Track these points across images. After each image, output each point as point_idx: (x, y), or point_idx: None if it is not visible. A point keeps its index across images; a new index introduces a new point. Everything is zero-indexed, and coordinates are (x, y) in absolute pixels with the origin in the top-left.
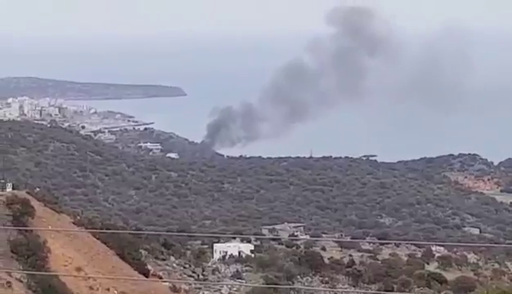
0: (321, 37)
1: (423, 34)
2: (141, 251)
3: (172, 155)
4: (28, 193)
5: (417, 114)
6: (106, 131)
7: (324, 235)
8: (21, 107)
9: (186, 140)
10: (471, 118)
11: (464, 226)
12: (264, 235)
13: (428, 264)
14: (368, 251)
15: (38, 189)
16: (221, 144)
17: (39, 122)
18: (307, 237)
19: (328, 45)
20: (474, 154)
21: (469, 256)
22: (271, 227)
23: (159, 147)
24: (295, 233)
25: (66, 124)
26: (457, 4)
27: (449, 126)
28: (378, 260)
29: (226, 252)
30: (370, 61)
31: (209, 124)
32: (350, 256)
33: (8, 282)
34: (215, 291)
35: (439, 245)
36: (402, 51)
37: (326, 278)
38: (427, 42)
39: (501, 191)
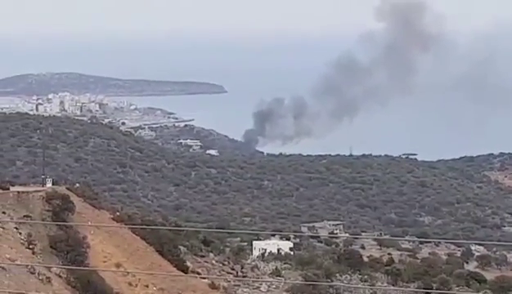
0: (371, 33)
1: (474, 31)
2: (180, 247)
3: (212, 152)
4: (68, 188)
5: (462, 112)
6: (146, 127)
7: (363, 233)
8: (62, 103)
9: (226, 137)
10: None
11: (504, 226)
12: (303, 233)
13: (467, 263)
14: (407, 249)
15: (77, 185)
16: (265, 138)
17: (80, 117)
18: (347, 235)
19: (378, 40)
20: None
21: (508, 256)
22: (310, 225)
23: (199, 144)
24: (334, 232)
25: (107, 120)
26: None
27: (493, 125)
28: (417, 258)
29: (266, 250)
30: (421, 57)
31: (255, 113)
32: (389, 254)
33: (48, 278)
34: (254, 288)
35: (479, 244)
36: (453, 48)
37: (365, 277)
38: (478, 39)
39: None
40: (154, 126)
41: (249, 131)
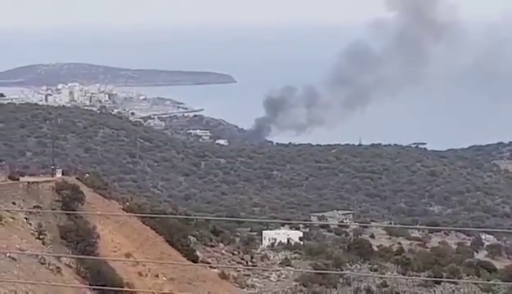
0: (382, 22)
1: (486, 20)
2: (189, 237)
3: (222, 142)
4: (77, 179)
5: (472, 102)
6: (156, 117)
7: (373, 223)
8: (71, 93)
9: (236, 126)
10: None
11: None
12: (313, 222)
13: (477, 252)
14: (417, 239)
15: (87, 175)
16: (277, 127)
17: (89, 108)
18: (356, 224)
19: (389, 29)
20: None
21: None
22: (320, 214)
23: (209, 134)
24: (344, 221)
25: (116, 110)
26: None
27: (503, 114)
28: (427, 248)
29: (275, 239)
30: (432, 47)
31: (266, 101)
32: (399, 243)
33: (58, 268)
34: (264, 277)
35: (489, 233)
36: (464, 37)
37: (375, 266)
38: (489, 28)
39: None
40: (163, 116)
41: (260, 120)
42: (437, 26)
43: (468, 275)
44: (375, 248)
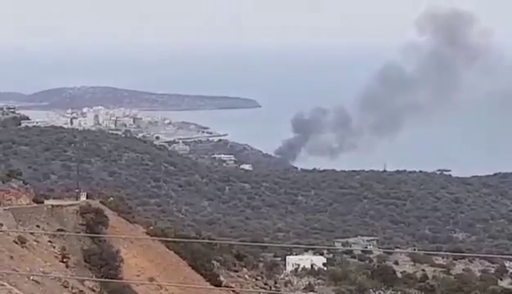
0: (414, 46)
1: None
2: (213, 262)
3: (246, 167)
4: (101, 202)
5: (501, 128)
6: (180, 141)
7: (397, 249)
8: (96, 117)
9: (260, 151)
10: None
11: None
12: (337, 248)
13: (501, 280)
14: (441, 265)
15: (111, 199)
16: (305, 151)
17: (114, 131)
18: (380, 250)
19: (421, 54)
20: None
21: None
22: (344, 240)
23: (233, 158)
24: (368, 247)
25: (140, 134)
26: None
27: None
28: (451, 275)
29: (299, 265)
30: (465, 71)
31: (294, 124)
32: (423, 270)
33: (81, 292)
34: None
35: None
36: (499, 62)
37: (399, 293)
38: None
39: None
40: (188, 140)
41: (290, 141)
42: (470, 50)
43: None
44: (399, 275)
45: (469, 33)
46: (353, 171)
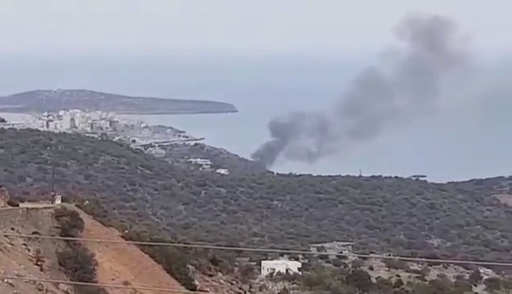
0: (393, 52)
1: (501, 53)
2: (188, 266)
3: (222, 171)
4: (77, 205)
5: (478, 135)
6: (157, 145)
7: (372, 254)
8: (72, 120)
9: (236, 156)
10: None
11: None
12: (312, 253)
13: (475, 286)
14: (416, 271)
15: (87, 202)
16: (281, 155)
17: (90, 135)
18: (356, 256)
19: (401, 59)
20: None
21: None
22: (319, 245)
23: (209, 163)
24: (343, 252)
25: (117, 138)
26: None
27: (506, 147)
28: (426, 280)
29: (274, 269)
30: (443, 77)
31: (272, 128)
32: (398, 276)
33: None
34: None
35: (487, 267)
36: (477, 68)
37: None
38: (504, 61)
39: None
40: (164, 144)
41: (264, 148)
42: (449, 56)
43: None
44: (374, 280)
45: (449, 38)
46: (329, 176)
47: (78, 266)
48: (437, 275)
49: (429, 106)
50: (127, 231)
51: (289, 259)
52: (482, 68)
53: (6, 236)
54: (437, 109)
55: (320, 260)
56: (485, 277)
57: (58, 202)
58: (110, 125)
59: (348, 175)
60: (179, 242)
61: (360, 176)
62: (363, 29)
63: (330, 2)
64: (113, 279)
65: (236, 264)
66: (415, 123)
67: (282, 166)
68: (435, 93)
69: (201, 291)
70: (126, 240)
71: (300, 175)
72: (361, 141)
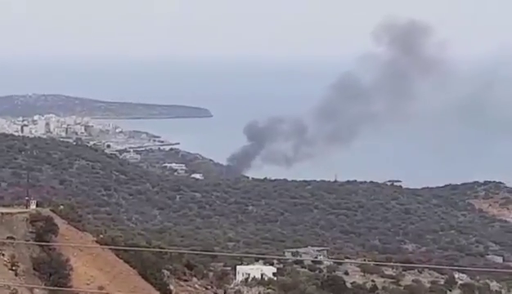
0: (370, 57)
1: (477, 58)
2: (163, 271)
3: (197, 176)
4: (52, 210)
5: (453, 140)
6: (132, 150)
7: (347, 259)
8: (47, 124)
9: (212, 161)
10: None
11: (488, 254)
12: (287, 258)
13: (450, 291)
14: (391, 276)
15: (61, 207)
16: (257, 160)
17: (65, 139)
18: (331, 261)
19: (378, 64)
20: (499, 182)
21: (491, 284)
22: (294, 250)
23: (184, 167)
24: (318, 257)
25: (92, 142)
26: None
27: (482, 153)
28: (400, 285)
29: (249, 274)
30: (420, 82)
31: (248, 133)
32: (373, 281)
33: None
34: None
35: (462, 272)
36: (453, 74)
37: None
38: (479, 67)
39: None
40: (139, 149)
41: (241, 152)
42: (426, 61)
43: None
44: (349, 285)
45: (426, 43)
46: (304, 181)
47: (52, 271)
48: (412, 280)
49: (406, 111)
50: (102, 236)
51: (264, 264)
52: (458, 73)
53: None
54: (413, 114)
55: (295, 265)
56: (460, 282)
57: (33, 206)
58: (85, 130)
59: (323, 181)
60: (154, 247)
61: (335, 181)
62: (341, 35)
63: (308, 8)
64: (88, 284)
65: (211, 269)
66: (390, 128)
67: (259, 170)
68: (412, 98)
69: None
70: (101, 245)
71: (275, 180)
72: (338, 146)
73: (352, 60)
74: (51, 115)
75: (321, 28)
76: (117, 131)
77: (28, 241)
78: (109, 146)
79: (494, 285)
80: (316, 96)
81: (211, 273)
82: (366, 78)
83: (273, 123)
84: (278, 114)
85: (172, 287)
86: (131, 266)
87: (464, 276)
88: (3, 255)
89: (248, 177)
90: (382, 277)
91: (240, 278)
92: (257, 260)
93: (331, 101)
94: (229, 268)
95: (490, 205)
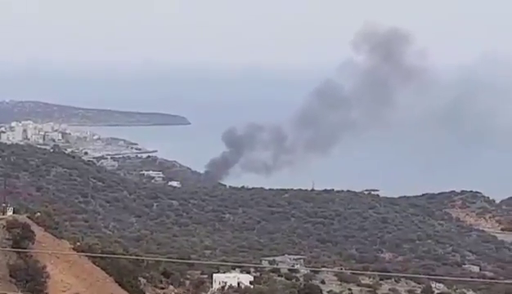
0: (351, 65)
1: (457, 66)
2: (140, 278)
3: (174, 184)
4: (28, 217)
5: (431, 149)
6: (109, 157)
7: (324, 268)
8: (25, 131)
9: (189, 169)
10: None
11: (465, 263)
12: (264, 266)
13: None
14: (368, 285)
15: (38, 214)
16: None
17: (42, 146)
18: (307, 269)
19: (358, 72)
20: (476, 192)
21: (468, 293)
22: (271, 259)
23: (161, 175)
24: (295, 266)
25: (69, 150)
26: (497, 36)
27: (460, 162)
28: None
29: (226, 283)
30: (400, 91)
31: (226, 140)
32: (349, 289)
33: None
34: None
35: (439, 281)
36: (432, 83)
37: None
38: (460, 75)
39: (502, 229)
40: (116, 156)
41: (219, 159)
42: (406, 70)
43: None
44: None
45: (406, 51)
46: (282, 189)
47: (29, 278)
48: (389, 289)
49: (384, 119)
50: (78, 243)
51: (241, 272)
52: (438, 81)
53: None
54: (391, 122)
55: (272, 274)
56: (436, 291)
57: (9, 213)
58: (63, 137)
59: (301, 189)
60: (131, 255)
61: (312, 190)
62: (325, 42)
63: (289, 14)
64: (64, 291)
65: (188, 277)
66: (369, 136)
67: (238, 178)
68: (391, 106)
69: None
70: (77, 252)
71: (252, 188)
72: (317, 154)
73: (333, 68)
74: (28, 122)
75: (305, 34)
76: (94, 138)
77: (4, 248)
78: (86, 153)
79: None
80: (296, 104)
81: (188, 281)
82: (346, 86)
83: (252, 130)
84: (257, 121)
85: None
86: (107, 274)
87: (441, 285)
88: None
89: (225, 185)
90: (359, 286)
91: (216, 286)
92: (234, 268)
93: (311, 109)
94: (206, 276)
95: (467, 214)
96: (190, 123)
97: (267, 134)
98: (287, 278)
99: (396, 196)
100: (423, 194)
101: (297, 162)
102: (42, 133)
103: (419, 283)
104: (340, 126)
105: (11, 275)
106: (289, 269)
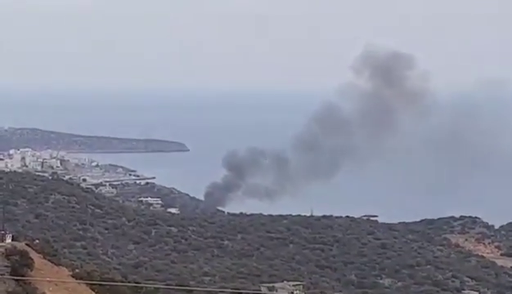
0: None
1: (457, 92)
2: None
3: (173, 210)
4: (27, 244)
5: (430, 174)
6: (107, 184)
7: None
8: (23, 158)
9: (187, 195)
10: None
11: (464, 289)
12: (263, 293)
13: None
14: None
15: (37, 241)
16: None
17: (41, 173)
18: None
19: (358, 96)
20: (476, 217)
21: None
22: (270, 285)
23: (160, 202)
24: (294, 292)
25: (67, 177)
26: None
27: (460, 187)
28: None
29: None
30: (401, 115)
31: (227, 166)
32: None
33: None
34: None
35: None
36: (434, 107)
37: None
38: (460, 101)
39: (502, 255)
40: (115, 183)
41: (221, 185)
42: (407, 93)
43: None
44: None
45: (407, 75)
46: (280, 215)
47: None
48: None
49: (383, 144)
50: (77, 270)
51: None
52: (438, 106)
53: None
54: (390, 148)
55: None
56: None
57: (8, 240)
58: (61, 164)
59: (299, 215)
60: (130, 282)
61: (311, 216)
62: (324, 68)
63: (290, 38)
64: None
65: None
66: (369, 161)
67: (239, 204)
68: (391, 131)
69: None
70: (76, 279)
71: (251, 214)
72: (317, 180)
73: (334, 92)
74: (26, 149)
75: (305, 58)
76: (93, 165)
77: (3, 275)
78: (84, 180)
79: None
80: (296, 129)
81: None
82: (345, 110)
83: (252, 155)
84: (258, 146)
85: None
86: None
87: None
88: None
89: (224, 212)
90: None
91: None
92: None
93: (311, 134)
94: None
95: (466, 240)
96: (188, 150)
97: (267, 159)
98: None
99: (395, 222)
100: (422, 220)
101: (297, 189)
102: (41, 160)
103: None
104: (340, 152)
105: None
106: None
